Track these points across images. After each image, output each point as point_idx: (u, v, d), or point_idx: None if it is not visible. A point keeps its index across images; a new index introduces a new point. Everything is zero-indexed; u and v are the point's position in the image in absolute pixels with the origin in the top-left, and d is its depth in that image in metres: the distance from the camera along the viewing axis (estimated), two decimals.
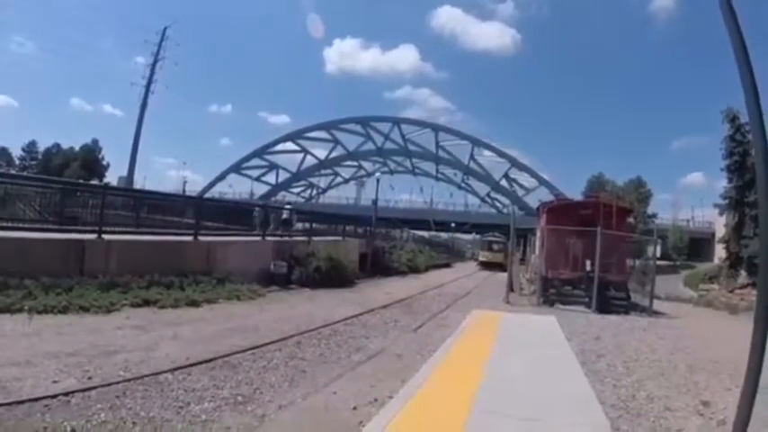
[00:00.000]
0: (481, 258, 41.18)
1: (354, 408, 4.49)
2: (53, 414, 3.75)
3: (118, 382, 4.54)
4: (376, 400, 4.76)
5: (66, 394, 4.12)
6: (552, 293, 14.46)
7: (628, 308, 13.50)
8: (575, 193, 51.50)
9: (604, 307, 13.01)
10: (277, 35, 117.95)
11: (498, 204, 74.08)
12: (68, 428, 3.46)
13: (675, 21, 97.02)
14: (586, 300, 13.59)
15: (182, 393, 4.47)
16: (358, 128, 79.68)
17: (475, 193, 77.86)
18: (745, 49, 2.86)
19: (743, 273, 24.47)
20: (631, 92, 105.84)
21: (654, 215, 54.87)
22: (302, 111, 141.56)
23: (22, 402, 3.87)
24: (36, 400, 3.94)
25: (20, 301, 7.46)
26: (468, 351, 7.30)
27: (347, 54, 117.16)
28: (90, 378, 4.66)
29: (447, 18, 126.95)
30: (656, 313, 13.54)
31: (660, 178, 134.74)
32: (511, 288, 15.97)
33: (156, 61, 60.95)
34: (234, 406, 4.30)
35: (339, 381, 5.46)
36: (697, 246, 57.50)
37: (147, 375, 4.84)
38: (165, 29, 62.62)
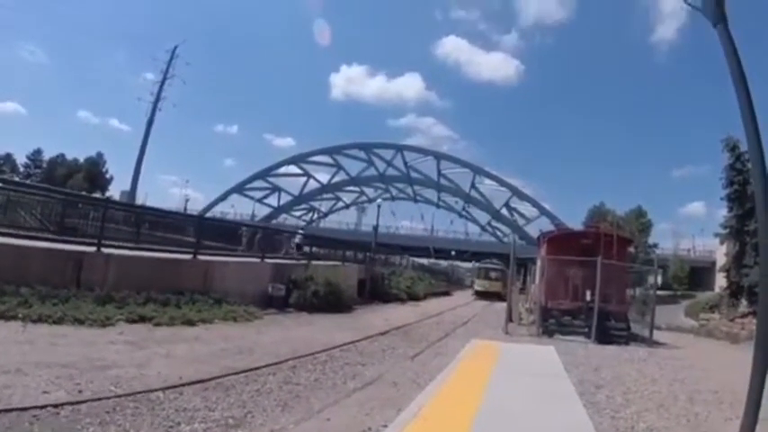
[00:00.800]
0: (477, 287, 38.80)
1: None
2: (41, 425, 3.68)
3: (108, 398, 4.46)
4: (370, 429, 4.65)
5: (56, 406, 4.04)
6: (552, 323, 14.28)
7: (628, 338, 13.37)
8: (576, 222, 51.47)
9: (604, 337, 12.87)
10: (285, 59, 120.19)
11: (499, 233, 74.11)
12: None
13: (676, 51, 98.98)
14: (586, 330, 13.43)
15: (172, 413, 4.37)
16: (361, 153, 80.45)
17: (476, 222, 78.06)
18: (744, 80, 2.92)
19: (743, 302, 24.26)
20: (633, 121, 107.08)
21: (655, 245, 54.72)
22: (307, 135, 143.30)
23: (9, 411, 3.79)
24: (24, 409, 3.87)
25: (15, 309, 7.44)
26: (465, 381, 7.15)
27: (353, 80, 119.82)
28: (80, 391, 4.58)
29: (452, 48, 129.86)
30: (657, 343, 13.42)
31: (661, 208, 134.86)
32: (510, 318, 15.82)
33: (165, 79, 61.74)
34: (225, 428, 4.20)
35: (334, 407, 5.34)
36: (698, 275, 57.29)
37: (138, 392, 4.75)
38: (176, 47, 63.64)
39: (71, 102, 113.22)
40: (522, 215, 73.74)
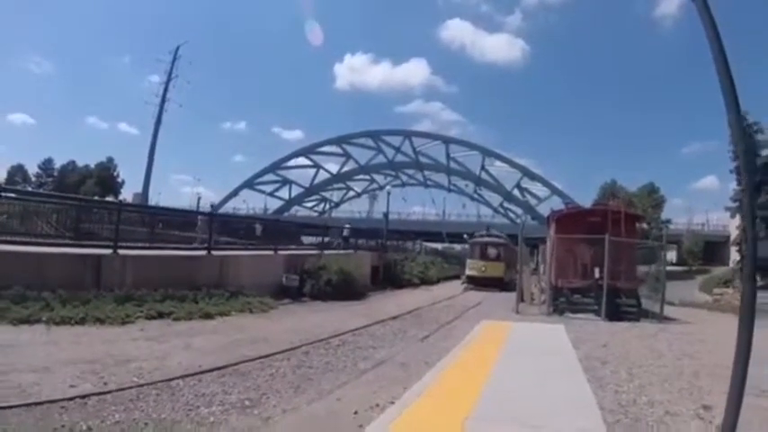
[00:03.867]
0: (469, 271, 26.53)
1: (356, 412, 4.61)
2: (70, 414, 4.01)
3: (131, 387, 4.79)
4: (377, 405, 4.86)
5: (83, 397, 4.37)
6: (562, 302, 14.45)
7: (639, 315, 13.40)
8: (588, 201, 50.80)
9: (614, 314, 12.96)
10: (288, 52, 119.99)
11: (511, 214, 73.85)
12: (84, 427, 3.67)
13: (680, 25, 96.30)
14: (596, 308, 13.56)
15: (192, 398, 4.69)
16: (369, 142, 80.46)
17: (488, 204, 77.83)
18: (724, 55, 2.99)
19: (757, 276, 24.06)
20: (642, 97, 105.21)
21: (668, 221, 53.89)
22: (315, 126, 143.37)
23: (40, 404, 4.13)
24: (54, 401, 4.20)
25: (38, 313, 7.79)
26: (474, 359, 7.36)
27: (357, 69, 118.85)
28: (105, 384, 4.91)
29: (456, 31, 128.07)
30: (668, 319, 13.38)
31: (673, 184, 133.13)
32: (522, 297, 15.97)
33: (168, 80, 62.64)
34: (241, 410, 4.50)
35: (343, 388, 5.60)
36: (712, 250, 56.53)
37: (159, 381, 5.08)
38: (178, 48, 64.42)
39: (79, 109, 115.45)
40: (533, 195, 73.29)
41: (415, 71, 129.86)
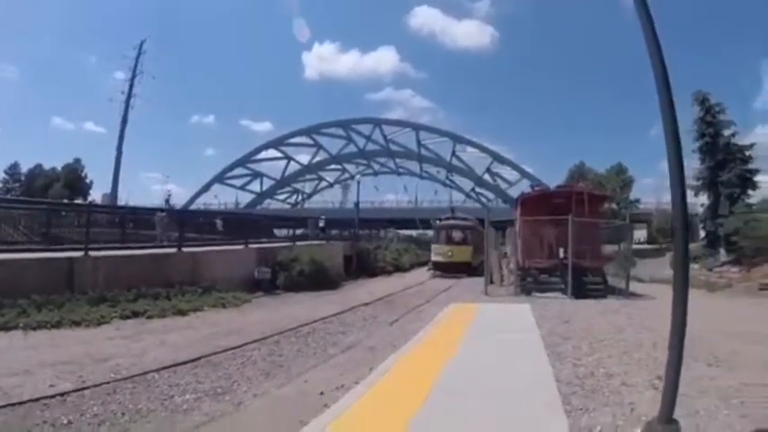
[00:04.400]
0: (435, 257, 25.07)
1: (321, 393, 4.96)
2: (51, 411, 4.31)
3: (108, 382, 5.11)
4: (343, 386, 5.16)
5: (62, 395, 4.66)
6: (529, 282, 14.78)
7: (605, 292, 13.76)
8: (557, 183, 52.09)
9: (580, 292, 13.27)
10: (255, 43, 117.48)
11: (483, 199, 74.88)
12: (65, 421, 3.97)
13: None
14: (563, 287, 13.85)
15: (166, 388, 5.03)
16: (339, 131, 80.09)
17: (460, 189, 78.55)
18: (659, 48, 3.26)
19: (722, 251, 24.99)
20: (611, 80, 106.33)
21: (637, 200, 55.58)
22: (285, 117, 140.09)
23: (23, 403, 4.42)
24: (36, 400, 4.49)
25: (14, 319, 7.94)
26: (439, 340, 7.49)
27: (326, 58, 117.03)
28: (84, 381, 5.19)
29: (425, 18, 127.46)
30: (634, 295, 13.81)
31: (644, 164, 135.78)
32: (491, 280, 16.45)
33: (134, 76, 60.78)
34: (213, 397, 4.86)
35: (312, 371, 5.98)
36: None
37: (135, 375, 5.39)
38: (142, 43, 62.39)
39: (44, 110, 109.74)
40: (504, 179, 74.39)
41: (385, 59, 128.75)
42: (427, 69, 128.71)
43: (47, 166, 66.59)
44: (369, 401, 4.43)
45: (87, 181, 66.88)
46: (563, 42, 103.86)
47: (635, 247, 16.62)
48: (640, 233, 53.98)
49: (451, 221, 27.11)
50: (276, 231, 24.76)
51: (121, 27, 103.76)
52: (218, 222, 20.16)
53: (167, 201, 41.01)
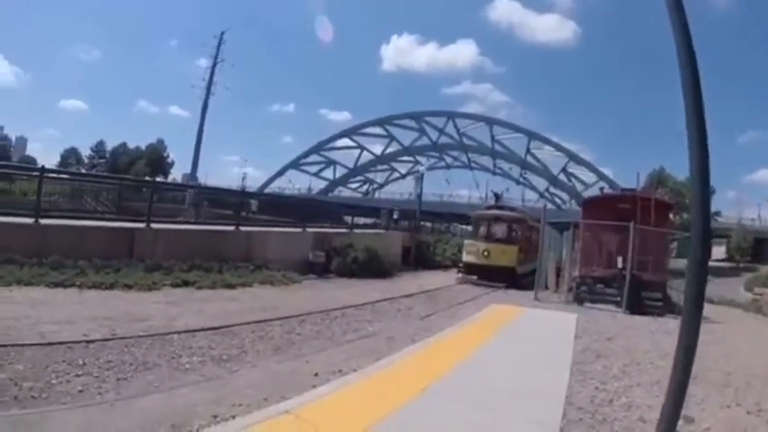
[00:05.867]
0: (466, 256, 18.95)
1: (316, 374, 5.11)
2: (72, 353, 4.90)
3: (132, 337, 5.63)
4: (341, 371, 5.25)
5: (88, 342, 5.27)
6: (583, 291, 14.08)
7: (664, 310, 12.76)
8: (635, 188, 48.47)
9: (636, 308, 12.45)
10: (336, 35, 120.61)
11: (557, 200, 71.87)
12: (80, 362, 4.47)
13: (739, 9, 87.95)
14: (618, 299, 13.06)
15: (179, 349, 5.49)
16: (412, 123, 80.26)
17: (533, 188, 76.02)
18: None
19: None
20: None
21: (717, 213, 50.69)
22: (362, 108, 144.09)
23: (52, 344, 5.04)
24: (63, 343, 5.12)
25: (72, 278, 8.84)
26: (461, 340, 7.38)
27: (404, 51, 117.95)
28: (113, 334, 5.81)
29: (505, 11, 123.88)
30: None
31: (726, 174, 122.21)
32: (545, 285, 15.78)
33: (215, 64, 64.51)
34: (217, 362, 5.24)
35: (320, 353, 6.15)
36: (763, 246, 52.45)
37: (158, 334, 5.90)
38: (223, 33, 65.95)
39: (130, 94, 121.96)
40: (580, 180, 71.02)
41: (463, 52, 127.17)
42: (507, 63, 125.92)
43: (131, 146, 72.84)
44: (352, 392, 4.42)
45: (169, 161, 72.46)
46: (648, 39, 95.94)
47: (710, 264, 14.96)
48: (718, 249, 49.08)
49: (494, 211, 20.37)
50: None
51: (204, 18, 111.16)
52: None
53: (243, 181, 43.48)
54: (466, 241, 20.37)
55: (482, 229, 19.75)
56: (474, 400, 4.45)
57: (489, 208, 21.57)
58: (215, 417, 3.70)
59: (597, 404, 4.80)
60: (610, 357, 6.96)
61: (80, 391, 4.03)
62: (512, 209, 21.75)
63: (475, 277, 18.04)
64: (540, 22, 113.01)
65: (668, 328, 10.17)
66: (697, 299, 2.94)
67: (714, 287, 18.53)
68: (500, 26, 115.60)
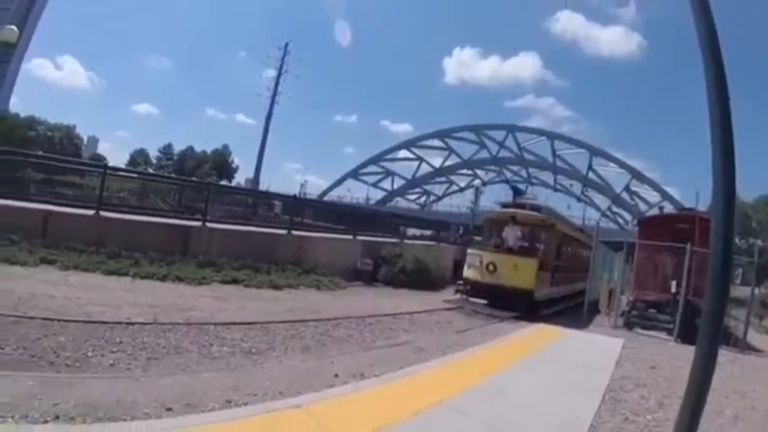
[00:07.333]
0: (467, 270, 14.00)
1: (336, 375, 5.21)
2: (112, 332, 5.36)
3: (171, 323, 6.02)
4: (362, 375, 5.30)
5: (129, 324, 5.73)
6: (634, 315, 13.42)
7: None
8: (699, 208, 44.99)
9: (688, 336, 11.10)
10: (398, 47, 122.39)
11: (620, 220, 68.20)
12: (117, 341, 4.87)
13: None
14: (671, 326, 12.25)
15: (212, 338, 5.83)
16: (472, 136, 79.38)
17: (595, 206, 72.64)
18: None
19: None
20: None
21: None
22: (423, 120, 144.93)
23: (94, 322, 5.53)
24: (105, 323, 5.60)
25: (127, 267, 9.57)
26: (494, 358, 7.21)
27: (466, 63, 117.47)
28: (154, 320, 6.23)
29: (568, 24, 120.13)
30: (751, 349, 11.89)
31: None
32: (597, 308, 15.07)
33: (279, 74, 67.33)
34: (245, 354, 5.50)
35: (346, 356, 6.25)
36: None
37: (196, 323, 6.27)
38: (287, 45, 68.78)
39: (199, 101, 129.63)
40: (643, 200, 66.99)
41: (526, 65, 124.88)
42: (570, 77, 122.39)
43: (198, 150, 76.90)
44: (366, 396, 4.46)
45: (233, 165, 75.76)
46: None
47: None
48: None
49: (510, 210, 14.62)
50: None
51: (269, 30, 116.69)
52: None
53: (302, 187, 45.00)
54: (469, 250, 15.06)
55: (493, 236, 14.89)
56: (490, 419, 4.31)
57: (505, 206, 15.65)
58: (228, 401, 3.92)
59: None
60: (648, 388, 6.57)
61: (111, 365, 4.44)
62: (535, 207, 15.60)
63: (483, 301, 13.23)
64: (604, 34, 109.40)
65: (720, 361, 9.48)
66: (714, 321, 2.74)
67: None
68: (563, 39, 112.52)
